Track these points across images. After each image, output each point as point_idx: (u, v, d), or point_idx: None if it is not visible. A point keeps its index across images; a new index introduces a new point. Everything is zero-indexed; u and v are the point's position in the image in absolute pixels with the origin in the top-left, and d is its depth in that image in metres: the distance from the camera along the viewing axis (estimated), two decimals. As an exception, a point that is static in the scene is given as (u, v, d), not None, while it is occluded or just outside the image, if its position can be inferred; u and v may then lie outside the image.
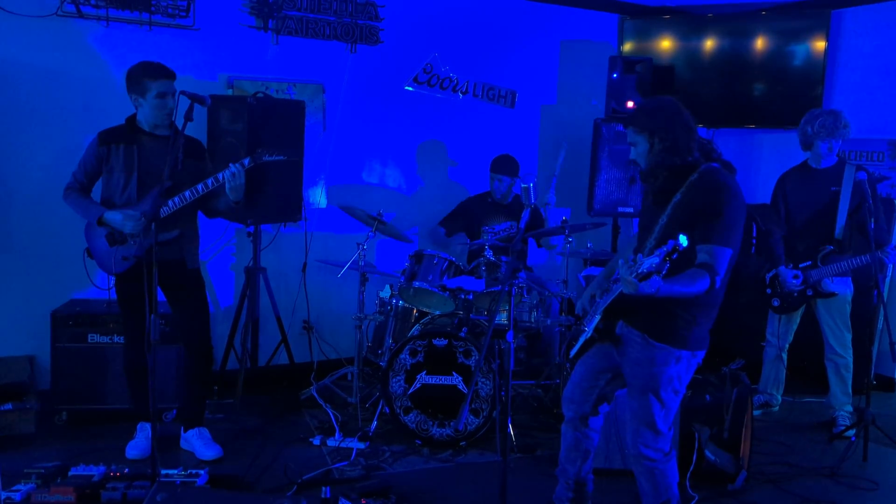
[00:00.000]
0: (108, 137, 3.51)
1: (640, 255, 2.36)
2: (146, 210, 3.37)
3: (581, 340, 2.89)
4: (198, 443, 3.72)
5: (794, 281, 4.26)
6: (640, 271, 2.30)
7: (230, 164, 3.40)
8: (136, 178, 3.49)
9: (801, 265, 4.28)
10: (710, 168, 2.71)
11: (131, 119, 3.56)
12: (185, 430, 3.78)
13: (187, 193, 3.41)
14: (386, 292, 4.55)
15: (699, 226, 2.59)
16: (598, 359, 2.93)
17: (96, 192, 3.63)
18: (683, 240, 2.25)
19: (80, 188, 3.59)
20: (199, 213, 3.76)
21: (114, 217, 3.44)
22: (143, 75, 3.43)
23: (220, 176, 3.41)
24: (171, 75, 3.47)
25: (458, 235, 5.04)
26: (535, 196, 2.87)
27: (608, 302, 2.72)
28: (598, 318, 2.81)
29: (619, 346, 2.81)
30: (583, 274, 4.48)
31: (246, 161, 3.43)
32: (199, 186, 3.41)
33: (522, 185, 2.85)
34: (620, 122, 5.15)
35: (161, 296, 3.62)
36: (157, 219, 3.09)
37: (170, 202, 3.41)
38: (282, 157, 3.53)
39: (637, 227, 3.02)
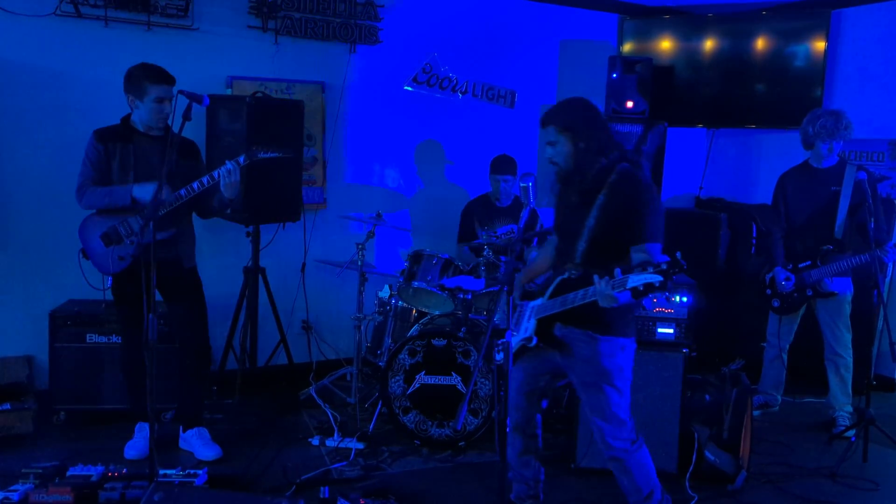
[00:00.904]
0: (105, 136, 3.50)
1: (617, 270, 2.41)
2: (147, 212, 3.37)
3: (516, 346, 2.90)
4: (197, 443, 3.72)
5: (785, 283, 4.25)
6: (629, 287, 2.35)
7: (226, 161, 3.39)
8: (132, 177, 3.48)
9: (800, 265, 4.27)
10: (625, 168, 2.76)
11: (126, 119, 3.56)
12: (185, 430, 3.78)
13: (183, 192, 3.39)
14: (385, 292, 4.54)
15: (629, 227, 2.66)
16: (536, 363, 2.97)
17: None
18: (678, 255, 2.31)
19: (94, 184, 3.51)
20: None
21: (141, 191, 3.38)
22: (143, 77, 3.42)
23: (215, 173, 3.39)
24: (171, 81, 3.46)
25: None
26: (534, 196, 2.86)
27: (555, 311, 2.76)
28: (532, 323, 2.84)
29: (561, 348, 2.85)
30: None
31: (241, 158, 3.41)
32: (195, 184, 3.40)
33: (521, 185, 2.85)
34: (620, 122, 5.15)
35: (158, 296, 3.62)
36: (157, 218, 3.08)
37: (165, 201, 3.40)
38: (277, 155, 3.51)
39: (555, 230, 3.05)
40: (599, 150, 2.75)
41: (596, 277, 2.48)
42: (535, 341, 2.84)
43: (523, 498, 3.17)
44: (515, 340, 2.92)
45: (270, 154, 3.47)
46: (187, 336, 3.72)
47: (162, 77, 3.43)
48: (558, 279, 2.82)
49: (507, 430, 3.05)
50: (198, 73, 4.48)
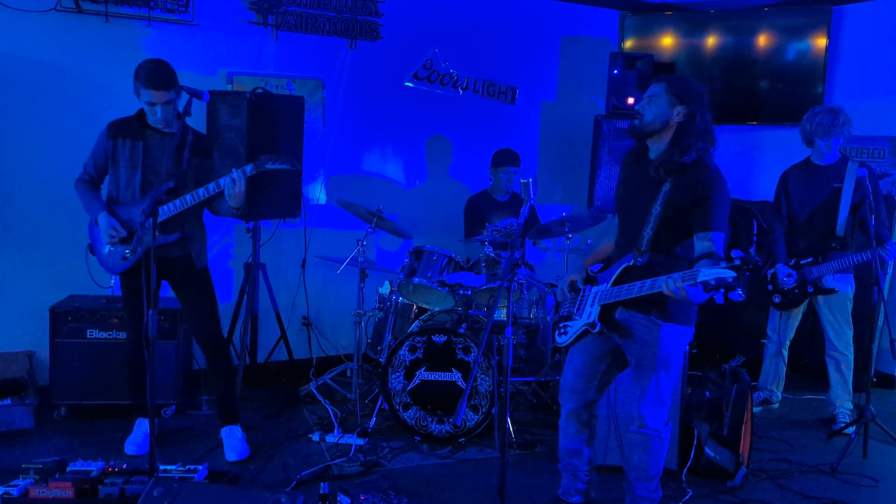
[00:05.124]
0: (117, 131, 3.44)
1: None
2: (146, 209, 3.35)
3: (578, 330, 2.91)
4: (225, 442, 3.69)
5: (787, 279, 4.25)
6: (700, 280, 2.35)
7: (232, 170, 3.30)
8: (140, 175, 3.43)
9: (802, 262, 4.27)
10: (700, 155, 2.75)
11: (141, 112, 3.47)
12: (221, 427, 3.77)
13: (188, 197, 3.35)
14: (385, 288, 4.54)
15: (695, 215, 2.66)
16: (596, 345, 2.96)
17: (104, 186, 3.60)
18: (752, 250, 2.31)
19: (90, 180, 3.53)
20: (206, 211, 3.70)
21: (103, 222, 3.42)
22: (137, 79, 3.29)
23: (220, 182, 3.31)
24: (163, 86, 3.26)
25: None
26: (534, 192, 2.86)
27: (621, 299, 2.76)
28: (596, 308, 2.84)
29: (620, 331, 2.85)
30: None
31: (248, 168, 3.31)
32: (200, 191, 3.34)
33: (522, 181, 2.85)
34: (621, 118, 5.14)
35: (167, 291, 3.63)
36: (155, 216, 3.06)
37: (170, 205, 3.35)
38: (286, 166, 3.38)
39: (616, 210, 3.04)
40: (701, 133, 2.70)
41: (677, 275, 2.48)
42: (598, 327, 2.83)
43: (570, 493, 3.14)
44: (578, 324, 2.93)
45: (279, 165, 3.35)
46: (203, 334, 3.69)
47: (152, 82, 3.24)
48: (622, 265, 2.82)
49: (562, 415, 3.07)
50: (198, 68, 4.49)
